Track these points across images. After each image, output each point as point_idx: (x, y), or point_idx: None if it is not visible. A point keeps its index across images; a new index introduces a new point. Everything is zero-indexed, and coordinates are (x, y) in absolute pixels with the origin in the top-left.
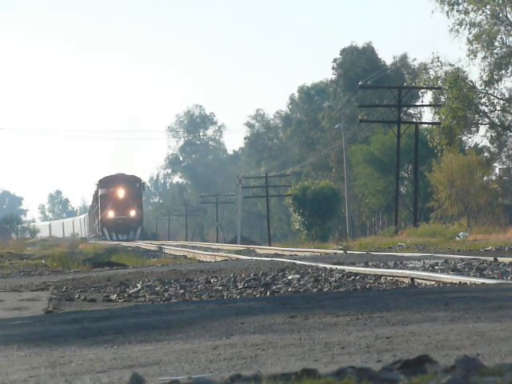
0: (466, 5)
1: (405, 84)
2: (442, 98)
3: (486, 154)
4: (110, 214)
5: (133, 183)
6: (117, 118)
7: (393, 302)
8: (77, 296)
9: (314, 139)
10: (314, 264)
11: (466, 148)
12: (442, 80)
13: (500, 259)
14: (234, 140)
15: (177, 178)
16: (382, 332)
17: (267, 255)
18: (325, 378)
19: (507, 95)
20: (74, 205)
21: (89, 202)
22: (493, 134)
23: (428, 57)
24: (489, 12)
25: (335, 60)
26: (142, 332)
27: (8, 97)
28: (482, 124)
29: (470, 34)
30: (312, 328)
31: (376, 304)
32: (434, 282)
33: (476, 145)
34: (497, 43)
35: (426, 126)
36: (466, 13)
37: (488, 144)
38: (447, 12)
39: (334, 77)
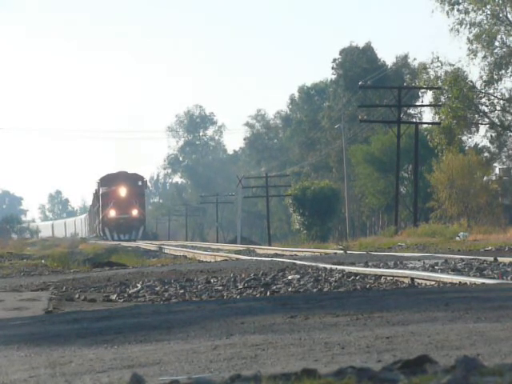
0: (466, 4)
1: (405, 84)
2: (442, 98)
3: (486, 154)
4: (112, 213)
5: (135, 181)
6: (117, 117)
7: (393, 302)
8: (77, 296)
9: (314, 139)
10: (313, 264)
11: (466, 148)
12: (442, 80)
13: (500, 259)
14: (234, 140)
15: (177, 178)
16: (382, 332)
17: (267, 255)
18: (325, 378)
19: (507, 95)
20: (74, 205)
21: (89, 201)
22: (493, 134)
23: (428, 57)
24: (489, 12)
25: (335, 60)
26: (141, 332)
27: (8, 97)
28: (481, 124)
29: (470, 33)
30: (312, 328)
31: (376, 304)
32: (433, 282)
33: (476, 145)
34: (497, 43)
35: (426, 125)
36: (467, 12)
37: (488, 144)
38: (447, 12)
39: (333, 77)
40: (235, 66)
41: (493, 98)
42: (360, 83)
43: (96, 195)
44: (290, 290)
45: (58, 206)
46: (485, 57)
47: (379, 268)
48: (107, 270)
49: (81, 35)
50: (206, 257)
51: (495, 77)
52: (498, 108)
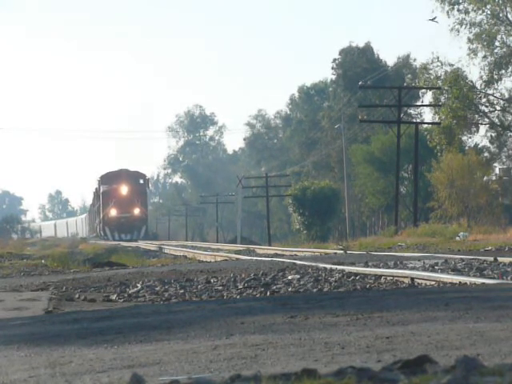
0: (466, 4)
1: (405, 84)
2: (442, 98)
3: (486, 154)
4: (113, 212)
5: (137, 179)
6: (117, 117)
7: (393, 302)
8: (77, 296)
9: (314, 139)
10: (313, 264)
11: (466, 148)
12: (442, 80)
13: (500, 259)
14: (234, 140)
15: (177, 178)
16: (382, 332)
17: (267, 255)
18: (325, 377)
19: (507, 95)
20: (74, 205)
21: (89, 201)
22: (493, 134)
23: (428, 57)
24: (489, 12)
25: (335, 60)
26: (141, 332)
27: (8, 97)
28: (481, 124)
29: (470, 33)
30: (312, 328)
31: (376, 304)
32: (433, 282)
33: (476, 145)
34: (497, 43)
35: (426, 126)
36: (467, 12)
37: (488, 144)
38: (447, 12)
39: (333, 77)
40: (235, 66)
41: (493, 98)
42: (360, 83)
43: (96, 194)
44: (289, 289)
45: (58, 206)
46: (485, 57)
47: (379, 268)
48: (107, 270)
49: (81, 35)
50: (206, 257)
51: (495, 77)
52: (498, 108)
